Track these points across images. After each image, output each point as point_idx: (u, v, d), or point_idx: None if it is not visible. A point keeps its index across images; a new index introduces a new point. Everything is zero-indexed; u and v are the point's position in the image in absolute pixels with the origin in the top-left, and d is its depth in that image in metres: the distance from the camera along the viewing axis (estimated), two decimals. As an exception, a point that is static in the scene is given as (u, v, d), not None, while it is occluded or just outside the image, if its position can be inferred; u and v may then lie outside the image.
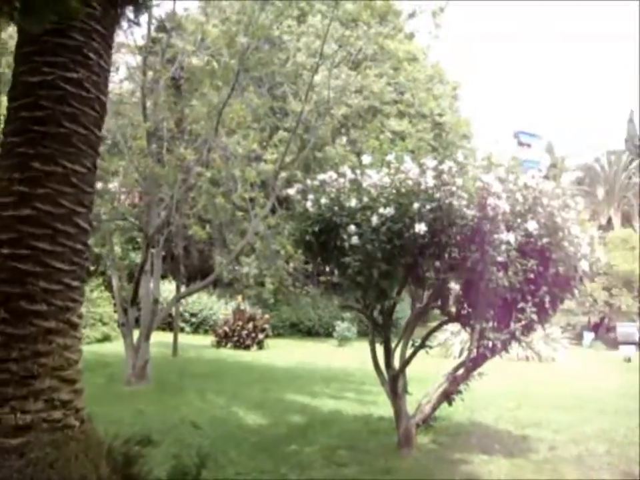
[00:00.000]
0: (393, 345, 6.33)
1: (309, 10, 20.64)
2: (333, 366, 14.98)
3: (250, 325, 18.30)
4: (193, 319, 21.88)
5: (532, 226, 5.30)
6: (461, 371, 6.28)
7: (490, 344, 5.80)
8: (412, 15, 13.99)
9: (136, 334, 10.92)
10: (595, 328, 30.20)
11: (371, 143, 14.04)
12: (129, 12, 3.93)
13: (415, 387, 6.97)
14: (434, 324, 7.28)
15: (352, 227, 5.48)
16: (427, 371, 8.66)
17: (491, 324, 5.73)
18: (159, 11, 13.24)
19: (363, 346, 8.27)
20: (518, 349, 17.57)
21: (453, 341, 17.35)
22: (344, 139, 19.33)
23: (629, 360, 20.83)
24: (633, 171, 43.04)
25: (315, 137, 13.00)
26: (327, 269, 6.37)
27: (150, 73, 11.00)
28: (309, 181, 6.23)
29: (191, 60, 12.10)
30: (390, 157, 5.69)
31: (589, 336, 28.01)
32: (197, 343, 18.50)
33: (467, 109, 28.56)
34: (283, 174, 12.11)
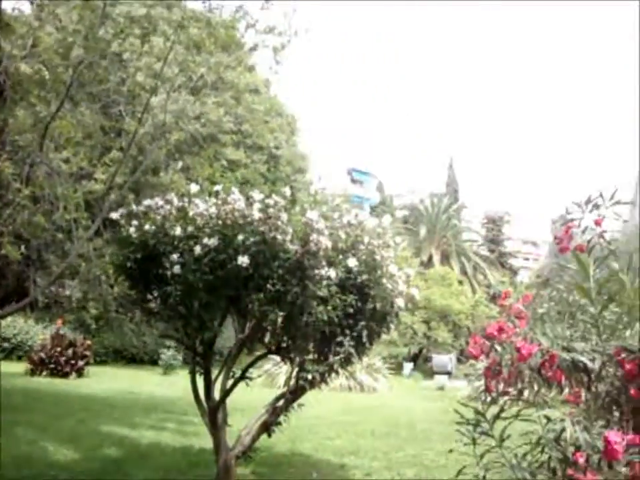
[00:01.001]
0: (213, 376, 6.26)
1: (152, 30, 20.23)
2: (156, 395, 14.51)
3: (69, 351, 17.11)
4: (6, 344, 20.12)
5: (352, 262, 5.51)
6: (280, 402, 6.34)
7: (309, 376, 5.91)
8: (253, 49, 14.23)
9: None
10: (414, 358, 31.99)
11: (205, 171, 13.95)
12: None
13: (239, 418, 6.94)
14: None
15: (174, 256, 5.41)
16: (252, 401, 8.70)
17: (310, 357, 5.88)
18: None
19: (190, 375, 8.12)
20: (341, 379, 18.28)
21: (278, 370, 17.50)
22: (179, 164, 19.02)
23: (442, 388, 22.26)
24: (452, 213, 46.64)
25: (148, 160, 12.67)
26: (149, 296, 6.19)
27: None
28: (134, 206, 6.03)
29: (19, 65, 11.34)
30: (218, 187, 5.70)
31: (408, 366, 29.56)
32: (9, 371, 17.02)
33: (305, 144, 29.31)
34: (113, 196, 11.65)
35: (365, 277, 5.70)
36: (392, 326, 6.17)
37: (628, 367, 2.61)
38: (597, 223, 3.08)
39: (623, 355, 2.66)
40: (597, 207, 3.10)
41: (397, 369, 27.46)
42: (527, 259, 72.91)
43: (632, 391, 2.61)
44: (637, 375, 2.58)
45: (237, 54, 16.57)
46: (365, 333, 5.77)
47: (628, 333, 2.77)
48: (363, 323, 5.79)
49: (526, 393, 2.94)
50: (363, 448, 9.27)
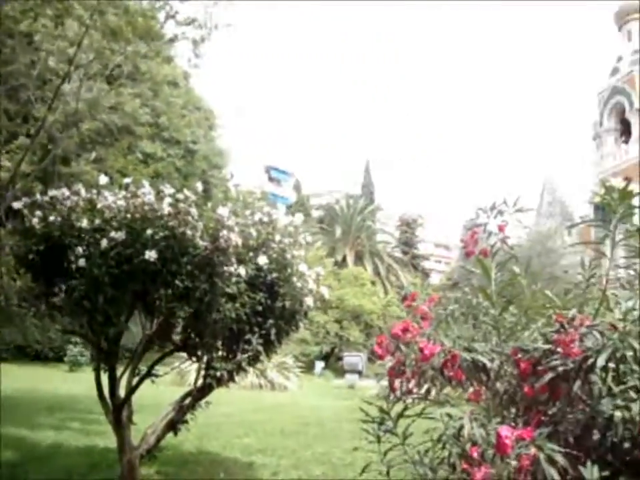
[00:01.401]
0: (119, 373, 6.09)
1: (66, 12, 19.45)
2: (60, 393, 13.99)
3: (-35, 349, 16.32)
4: None
5: (262, 260, 5.49)
6: (187, 400, 6.23)
7: (217, 374, 5.84)
8: (172, 40, 13.95)
9: None
10: (326, 357, 32.29)
11: (119, 162, 13.58)
12: None
13: (146, 416, 6.75)
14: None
15: (79, 249, 5.21)
16: (161, 399, 8.49)
17: (218, 354, 5.81)
18: None
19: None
20: (252, 377, 18.22)
21: (188, 368, 17.19)
22: (92, 155, 18.43)
23: (352, 387, 22.58)
24: (367, 215, 47.42)
25: (58, 148, 12.19)
26: (53, 290, 5.94)
27: None
28: (38, 196, 5.77)
29: None
30: (128, 180, 5.54)
31: (319, 365, 29.81)
32: None
33: (223, 140, 28.98)
34: (18, 185, 11.14)
35: (274, 275, 5.69)
36: (301, 324, 6.18)
37: (523, 366, 2.71)
38: (500, 229, 3.19)
39: (519, 355, 2.76)
40: (501, 213, 3.21)
41: (309, 367, 27.65)
42: (439, 262, 75.07)
43: (526, 389, 2.72)
44: (531, 374, 2.69)
45: (156, 44, 16.23)
46: (273, 331, 5.76)
47: (526, 334, 2.88)
48: (271, 321, 5.77)
49: (433, 392, 3.02)
50: (271, 446, 9.25)
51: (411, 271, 47.41)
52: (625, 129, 48.75)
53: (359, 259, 42.33)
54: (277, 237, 5.70)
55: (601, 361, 2.39)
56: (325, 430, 11.43)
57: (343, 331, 32.00)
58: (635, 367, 2.48)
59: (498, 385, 2.94)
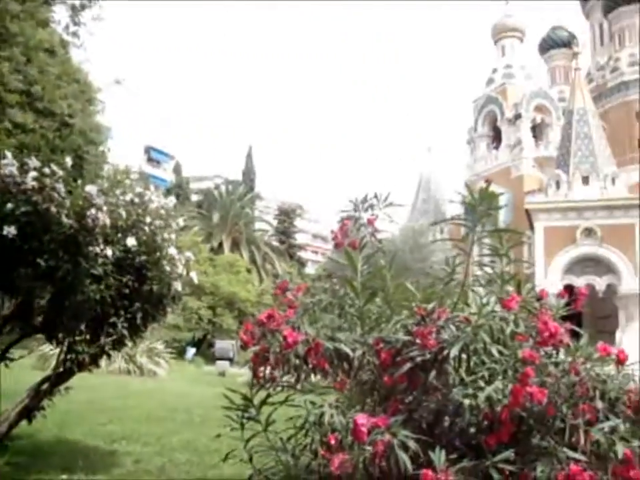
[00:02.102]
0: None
1: None
2: None
3: None
4: None
5: (131, 242, 5.30)
6: (45, 386, 5.93)
7: (79, 357, 5.61)
8: (48, 2, 13.13)
9: None
10: (198, 344, 31.91)
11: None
12: None
13: (6, 404, 6.35)
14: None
15: None
16: (21, 385, 8.04)
17: (80, 337, 5.57)
18: None
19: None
20: (120, 362, 17.65)
21: (53, 352, 16.40)
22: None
23: (223, 374, 22.46)
24: (246, 202, 47.22)
25: None
26: None
27: None
28: None
29: None
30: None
31: (191, 351, 29.42)
32: None
33: (105, 116, 27.50)
34: None
35: (143, 257, 5.53)
36: (169, 309, 6.05)
37: (384, 356, 2.81)
38: (370, 222, 3.27)
39: (381, 345, 2.85)
40: (372, 207, 3.29)
41: (180, 353, 27.20)
42: (315, 252, 76.23)
43: (385, 378, 2.81)
44: (391, 364, 2.78)
45: (30, 5, 15.20)
46: (139, 315, 5.60)
47: (390, 325, 2.96)
48: (138, 304, 5.61)
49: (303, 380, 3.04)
50: (136, 433, 8.99)
51: (287, 260, 47.78)
52: (496, 136, 51.79)
53: (235, 245, 42.06)
54: (148, 219, 5.52)
55: (453, 352, 2.52)
56: (193, 416, 11.30)
57: (216, 317, 31.73)
58: (485, 359, 2.63)
59: (360, 374, 3.02)
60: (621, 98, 50.00)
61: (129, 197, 5.41)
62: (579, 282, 34.79)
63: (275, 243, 51.07)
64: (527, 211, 38.30)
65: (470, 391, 2.59)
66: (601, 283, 35.77)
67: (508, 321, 2.68)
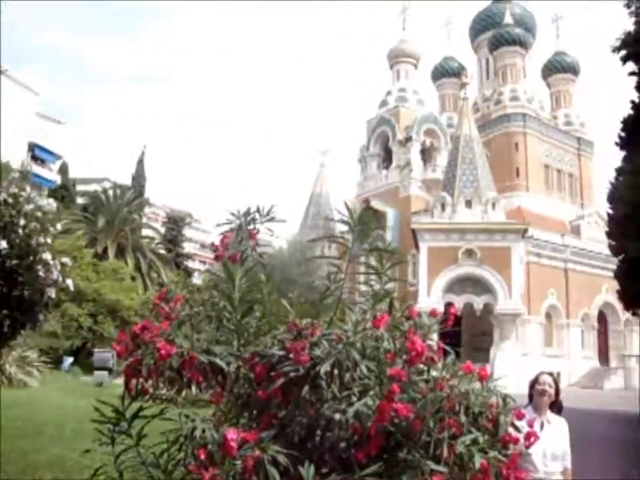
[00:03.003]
0: None
1: None
2: None
3: None
4: None
5: (2, 245, 5.02)
6: None
7: None
8: None
9: None
10: (77, 353, 30.53)
11: None
12: None
13: None
14: None
15: None
16: None
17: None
18: None
19: None
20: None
21: None
22: None
23: (100, 385, 21.60)
24: (134, 207, 45.91)
25: None
26: None
27: None
28: None
29: None
30: None
31: (68, 360, 28.14)
32: None
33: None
34: None
35: (15, 261, 5.23)
36: (42, 317, 5.75)
37: (258, 370, 2.81)
38: (251, 236, 3.28)
39: (256, 360, 2.85)
40: (253, 220, 3.30)
41: (57, 363, 25.88)
42: (203, 262, 75.22)
43: (260, 393, 2.81)
44: (265, 379, 2.79)
45: None
46: (7, 322, 5.28)
47: (269, 339, 2.97)
48: (5, 311, 5.29)
49: (184, 393, 2.99)
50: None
51: (173, 269, 46.84)
52: (387, 156, 53.52)
53: (121, 252, 40.68)
54: (22, 221, 5.23)
55: (324, 369, 2.56)
56: (64, 431, 10.76)
57: (97, 325, 30.49)
58: (358, 375, 2.70)
59: (236, 388, 3.01)
60: (503, 129, 53.30)
61: (2, 196, 5.11)
62: (459, 300, 36.48)
63: (162, 251, 49.92)
64: (412, 230, 39.71)
65: (342, 406, 2.64)
66: (479, 302, 37.63)
67: (382, 339, 2.76)
